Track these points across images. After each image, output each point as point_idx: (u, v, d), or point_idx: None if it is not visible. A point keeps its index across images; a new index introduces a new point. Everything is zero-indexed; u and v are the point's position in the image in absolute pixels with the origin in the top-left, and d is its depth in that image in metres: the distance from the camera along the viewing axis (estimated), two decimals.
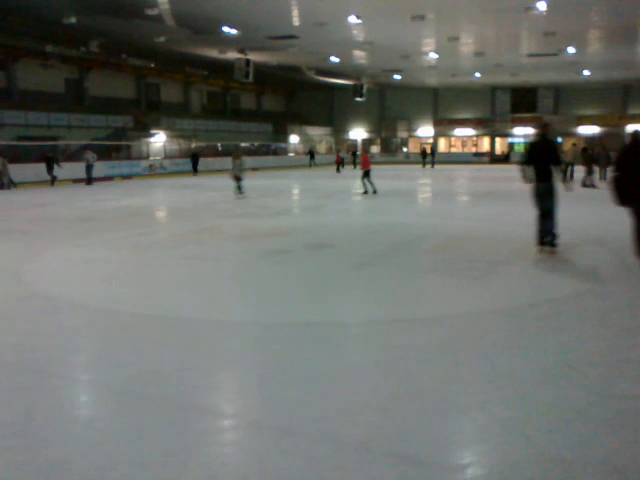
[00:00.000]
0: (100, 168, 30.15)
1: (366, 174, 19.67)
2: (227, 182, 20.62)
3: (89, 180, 27.16)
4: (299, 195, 22.59)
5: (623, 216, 8.32)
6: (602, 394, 3.95)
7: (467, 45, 32.60)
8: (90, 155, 27.38)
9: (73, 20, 25.98)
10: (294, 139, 53.81)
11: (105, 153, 33.38)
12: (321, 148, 56.91)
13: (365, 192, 19.65)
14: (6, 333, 5.44)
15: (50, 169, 26.74)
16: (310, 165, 46.58)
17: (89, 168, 27.19)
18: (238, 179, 18.60)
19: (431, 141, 57.02)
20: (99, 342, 5.23)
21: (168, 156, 38.69)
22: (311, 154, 47.44)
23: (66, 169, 28.30)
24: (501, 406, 3.79)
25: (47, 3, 24.03)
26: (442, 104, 55.61)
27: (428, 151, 46.54)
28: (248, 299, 6.71)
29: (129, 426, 3.57)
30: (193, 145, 41.04)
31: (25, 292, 6.96)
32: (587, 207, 15.35)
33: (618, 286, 6.94)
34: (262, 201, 18.24)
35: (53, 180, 26.63)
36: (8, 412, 3.78)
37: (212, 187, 25.33)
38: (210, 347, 5.06)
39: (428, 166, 44.52)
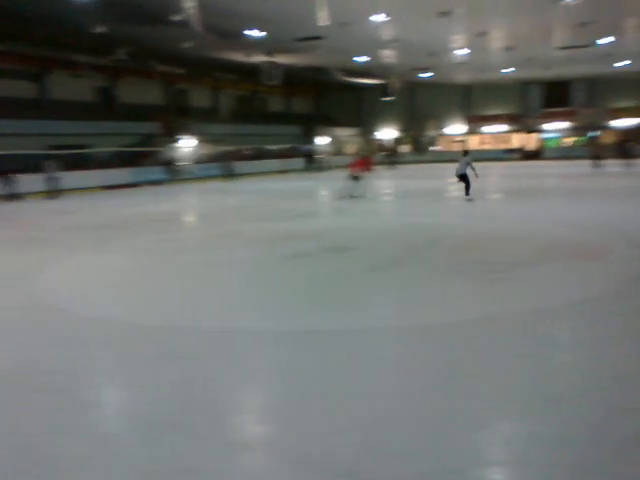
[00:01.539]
0: (127, 174, 30.46)
1: (355, 178, 18.04)
2: (253, 186, 20.52)
3: (53, 193, 24.91)
4: (322, 197, 22.38)
5: None
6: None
7: (497, 40, 31.91)
8: (52, 165, 25.23)
9: (100, 29, 26.22)
10: (323, 140, 53.58)
11: (133, 159, 33.66)
12: (350, 149, 56.57)
13: (351, 196, 17.72)
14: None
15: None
16: (308, 169, 41.53)
17: (52, 180, 25.03)
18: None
19: (461, 139, 56.22)
20: (98, 355, 5.09)
21: (197, 161, 38.85)
22: (309, 157, 42.69)
23: (97, 175, 28.70)
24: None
25: (74, 13, 24.26)
26: (472, 101, 54.75)
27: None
28: (261, 305, 6.50)
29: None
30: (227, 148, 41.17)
31: (31, 301, 6.88)
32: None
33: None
34: (288, 204, 18.06)
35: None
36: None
37: (238, 191, 25.30)
38: (226, 359, 4.86)
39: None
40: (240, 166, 36.80)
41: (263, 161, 42.59)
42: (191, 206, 20.60)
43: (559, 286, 6.80)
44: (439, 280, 7.28)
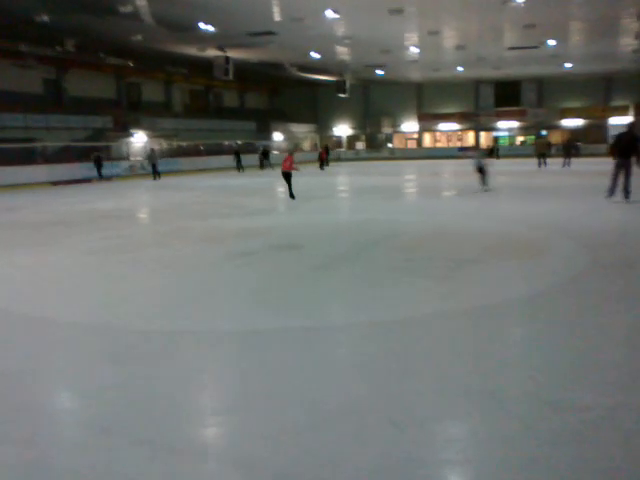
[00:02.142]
0: (79, 169, 29.73)
1: (287, 177, 17.16)
2: (204, 182, 20.21)
3: None
4: (275, 193, 22.27)
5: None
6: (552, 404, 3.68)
7: (448, 39, 32.37)
8: None
9: (46, 18, 25.45)
10: (278, 137, 53.38)
11: (84, 154, 32.86)
12: (305, 145, 56.56)
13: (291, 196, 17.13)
14: None
15: (100, 168, 29.78)
16: (263, 166, 39.68)
17: None
18: (482, 171, 18.12)
19: (416, 136, 56.85)
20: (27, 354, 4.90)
21: (149, 156, 38.12)
22: (265, 154, 40.38)
23: (45, 171, 27.92)
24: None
25: (19, 1, 23.51)
26: (426, 99, 55.41)
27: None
28: (201, 304, 6.37)
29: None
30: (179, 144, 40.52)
31: None
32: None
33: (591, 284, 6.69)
34: (236, 201, 17.92)
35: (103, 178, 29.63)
36: None
37: (189, 187, 24.96)
38: (165, 360, 4.74)
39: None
40: (194, 161, 36.39)
41: (218, 157, 42.14)
42: (141, 202, 20.21)
43: (504, 283, 6.88)
44: (386, 278, 7.28)
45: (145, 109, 43.32)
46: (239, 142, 44.89)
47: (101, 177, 30.36)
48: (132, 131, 38.73)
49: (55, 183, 27.67)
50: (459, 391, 3.94)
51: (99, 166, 30.45)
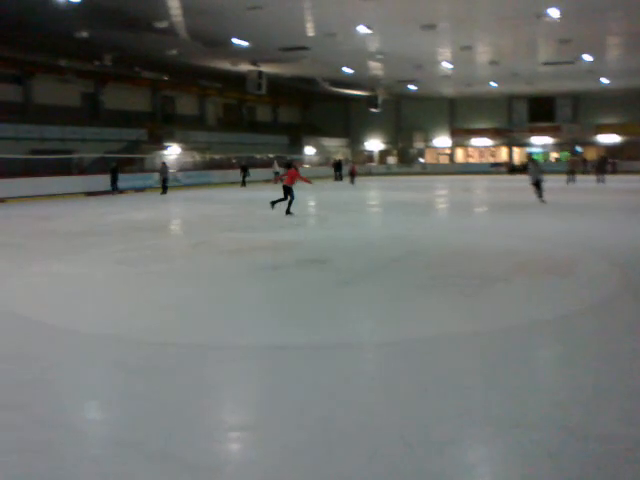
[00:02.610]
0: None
1: (288, 191, 16.55)
2: (236, 195, 20.34)
3: None
4: (305, 207, 22.31)
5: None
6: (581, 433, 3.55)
7: (481, 54, 32.18)
8: None
9: (86, 34, 26.10)
10: (310, 150, 53.61)
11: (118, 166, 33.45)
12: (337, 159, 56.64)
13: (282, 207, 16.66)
14: None
15: (115, 180, 28.71)
16: (242, 183, 35.98)
17: None
18: (538, 185, 18.64)
19: (448, 152, 56.53)
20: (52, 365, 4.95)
21: (182, 169, 38.67)
22: (244, 169, 36.84)
23: (80, 181, 28.50)
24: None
25: (59, 18, 24.12)
26: (459, 114, 55.10)
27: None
28: (224, 319, 6.37)
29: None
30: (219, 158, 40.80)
31: None
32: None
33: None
34: (265, 213, 17.98)
35: (117, 191, 28.71)
36: None
37: (220, 200, 25.16)
38: (193, 374, 4.73)
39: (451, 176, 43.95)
40: (226, 174, 36.39)
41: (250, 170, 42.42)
42: (172, 214, 20.44)
43: (531, 303, 6.73)
44: (411, 295, 7.20)
45: (179, 122, 43.96)
46: (264, 156, 44.90)
47: (115, 190, 28.98)
48: (166, 144, 39.29)
49: (89, 194, 28.17)
50: (480, 415, 3.84)
51: (114, 178, 29.07)
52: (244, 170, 36.67)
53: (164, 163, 31.78)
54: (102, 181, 29.15)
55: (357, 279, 8.15)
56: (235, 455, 3.52)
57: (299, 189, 31.53)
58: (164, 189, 29.36)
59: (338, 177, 41.71)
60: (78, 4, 21.05)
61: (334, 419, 3.81)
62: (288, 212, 16.41)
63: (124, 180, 31.44)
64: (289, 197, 16.51)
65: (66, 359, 5.12)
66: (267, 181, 39.65)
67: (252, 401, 4.29)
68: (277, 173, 35.53)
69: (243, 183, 36.02)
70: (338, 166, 42.54)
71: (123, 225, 15.60)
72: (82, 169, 31.83)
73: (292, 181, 16.65)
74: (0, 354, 5.24)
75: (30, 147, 31.10)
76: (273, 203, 16.73)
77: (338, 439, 3.52)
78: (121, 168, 33.38)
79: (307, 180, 17.52)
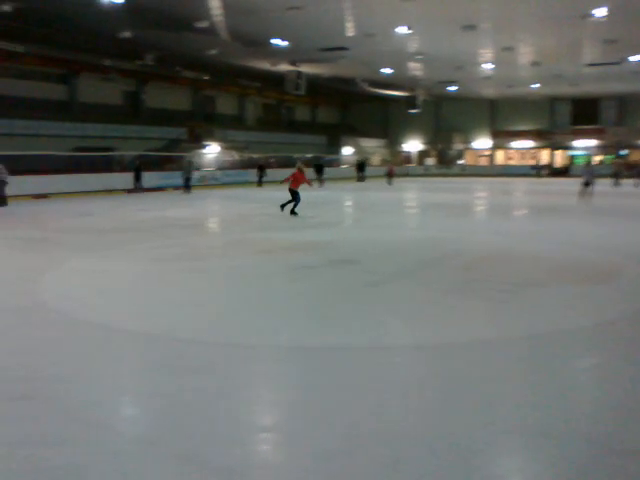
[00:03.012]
0: (153, 178, 30.67)
1: (294, 194, 16.42)
2: (272, 194, 20.40)
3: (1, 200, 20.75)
4: (340, 207, 22.27)
5: None
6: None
7: (523, 55, 31.63)
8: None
9: (127, 34, 26.59)
10: (348, 151, 53.54)
11: (158, 164, 33.97)
12: (374, 160, 56.45)
13: (292, 211, 16.56)
14: None
15: (139, 178, 28.19)
16: (259, 183, 34.68)
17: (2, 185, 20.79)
18: (588, 185, 19.73)
19: (488, 153, 55.79)
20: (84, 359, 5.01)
21: (221, 167, 39.03)
22: (261, 168, 35.59)
23: (120, 179, 29.01)
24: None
25: (102, 18, 24.62)
26: (500, 115, 54.30)
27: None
28: (254, 318, 6.37)
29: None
30: (255, 156, 40.88)
31: (27, 304, 6.84)
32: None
33: None
34: (302, 214, 18.00)
35: (141, 189, 28.08)
36: None
37: (256, 199, 25.28)
38: (219, 372, 4.74)
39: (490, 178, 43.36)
40: (265, 174, 36.19)
41: (289, 170, 42.54)
42: (207, 212, 20.63)
43: (568, 310, 6.55)
44: (443, 299, 7.09)
45: (219, 121, 44.40)
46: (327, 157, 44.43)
47: (138, 188, 28.31)
48: (205, 142, 39.72)
49: (129, 191, 28.63)
50: (509, 424, 3.74)
51: (138, 176, 28.36)
52: (261, 170, 35.29)
53: (189, 161, 30.72)
54: (143, 178, 29.60)
55: (388, 281, 8.07)
56: (258, 458, 3.49)
57: (341, 190, 31.63)
58: (187, 188, 28.38)
59: (361, 178, 41.05)
60: (121, 5, 21.44)
61: (360, 423, 3.75)
62: (293, 212, 16.41)
63: (163, 178, 31.92)
64: (295, 199, 16.41)
65: (96, 355, 5.17)
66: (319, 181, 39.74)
67: (279, 402, 4.26)
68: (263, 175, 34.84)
69: (260, 183, 34.57)
70: (361, 167, 41.84)
71: (159, 222, 15.80)
72: (123, 166, 32.37)
73: (297, 184, 16.46)
74: (32, 348, 5.32)
75: (73, 144, 31.84)
76: (291, 207, 16.57)
77: (363, 444, 3.47)
78: (161, 166, 33.93)
79: (308, 182, 17.31)
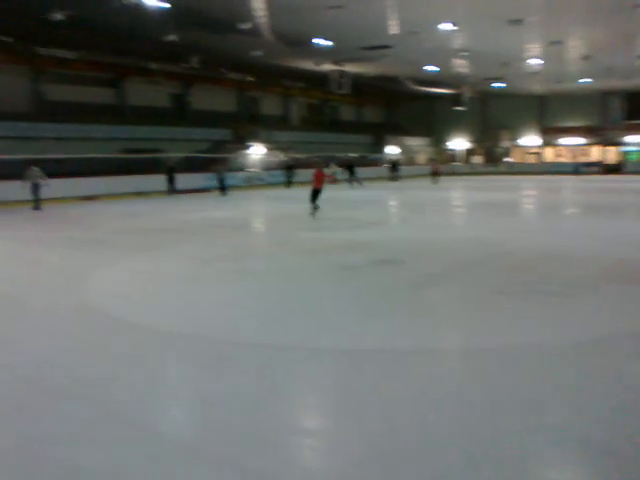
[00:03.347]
0: (198, 180, 31.06)
1: (316, 194, 16.10)
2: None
3: (36, 203, 20.32)
4: (384, 207, 22.09)
5: None
6: None
7: (573, 49, 30.73)
8: (34, 173, 20.23)
9: (173, 38, 26.99)
10: (393, 150, 53.16)
11: (204, 165, 34.36)
12: (420, 159, 55.91)
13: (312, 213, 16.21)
14: (41, 348, 5.40)
15: (172, 181, 27.74)
16: (287, 183, 33.71)
17: (36, 188, 20.24)
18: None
19: (536, 151, 54.57)
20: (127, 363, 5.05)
21: (267, 168, 39.24)
22: (289, 168, 34.62)
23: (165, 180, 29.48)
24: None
25: (149, 23, 25.06)
26: (548, 112, 53.00)
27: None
28: (296, 319, 6.32)
29: None
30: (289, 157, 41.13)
31: (75, 304, 6.96)
32: None
33: None
34: (344, 213, 17.93)
35: (174, 192, 27.62)
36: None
37: (301, 199, 25.27)
38: (262, 375, 4.73)
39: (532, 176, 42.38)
40: (308, 173, 36.03)
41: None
42: (253, 213, 20.77)
43: (620, 313, 6.28)
44: (488, 301, 6.90)
45: (263, 122, 44.69)
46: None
47: (172, 191, 27.86)
48: (249, 143, 40.04)
49: (177, 192, 29.05)
50: (554, 435, 3.57)
51: (171, 178, 27.95)
52: (289, 169, 34.06)
53: (221, 163, 29.69)
54: (188, 180, 30.00)
55: (433, 282, 7.92)
56: (299, 462, 3.43)
57: (385, 189, 31.41)
58: (222, 190, 27.72)
59: (394, 178, 40.28)
60: (167, 9, 21.77)
61: (400, 429, 3.66)
62: (315, 209, 16.00)
63: (208, 179, 32.24)
64: (317, 200, 15.99)
65: (140, 356, 5.21)
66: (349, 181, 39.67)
67: (321, 406, 4.21)
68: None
69: (288, 183, 33.39)
70: (394, 166, 41.19)
71: (205, 223, 15.96)
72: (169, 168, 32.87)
73: (320, 183, 16.03)
74: (76, 349, 5.40)
75: (122, 147, 32.53)
76: (314, 207, 16.16)
77: (403, 451, 3.38)
78: (206, 167, 34.28)
79: (331, 178, 16.89)
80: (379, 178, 40.65)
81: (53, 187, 21.28)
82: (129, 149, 32.56)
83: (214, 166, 29.43)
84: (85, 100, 34.04)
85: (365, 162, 44.73)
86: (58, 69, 32.39)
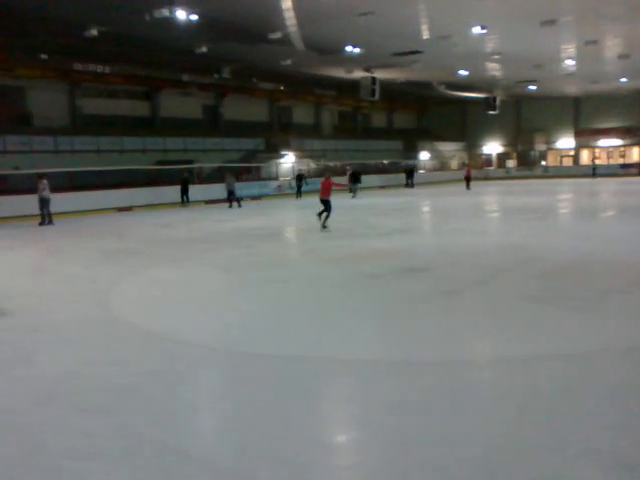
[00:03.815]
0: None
1: (325, 204, 15.35)
2: (345, 201, 20.31)
3: (48, 217, 19.24)
4: (412, 214, 21.89)
5: None
6: None
7: (609, 48, 30.08)
8: (44, 185, 19.09)
9: (204, 49, 27.30)
10: (425, 156, 52.80)
11: (236, 175, 34.62)
12: (453, 164, 55.41)
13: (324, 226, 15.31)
14: (68, 358, 5.45)
15: (185, 192, 27.68)
16: (297, 194, 31.55)
17: (44, 202, 19.10)
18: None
19: (572, 153, 53.54)
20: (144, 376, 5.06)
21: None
22: (300, 178, 32.28)
23: (200, 190, 29.77)
24: None
25: (180, 35, 25.42)
26: (584, 113, 51.98)
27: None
28: (323, 330, 6.27)
29: None
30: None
31: (104, 314, 7.02)
32: None
33: None
34: (372, 220, 17.81)
35: (187, 203, 27.71)
36: None
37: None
38: (288, 387, 4.69)
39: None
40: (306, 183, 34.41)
41: (363, 176, 42.39)
42: (282, 221, 20.79)
43: None
44: (519, 308, 6.74)
45: (295, 131, 44.88)
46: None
47: (185, 201, 27.42)
48: (282, 152, 40.23)
49: (208, 202, 29.31)
50: (581, 449, 3.44)
51: (185, 189, 27.36)
52: (300, 180, 32.17)
53: (230, 174, 27.42)
54: (221, 190, 30.16)
55: (464, 289, 7.78)
56: (315, 476, 3.37)
57: (416, 195, 31.19)
58: (229, 202, 26.22)
59: (409, 184, 39.75)
60: (197, 22, 22.03)
61: (419, 442, 3.58)
62: (324, 226, 15.24)
63: (239, 189, 32.34)
64: (327, 210, 15.35)
65: (161, 367, 5.21)
66: (381, 187, 39.58)
67: (343, 418, 4.14)
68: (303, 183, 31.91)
69: (298, 194, 31.56)
70: (410, 173, 40.64)
71: (236, 233, 16.02)
72: (202, 178, 33.23)
73: (328, 193, 15.39)
74: (98, 359, 5.43)
75: (156, 158, 33.02)
76: (322, 219, 15.49)
77: (417, 465, 3.29)
78: (238, 177, 34.48)
79: (340, 185, 16.16)
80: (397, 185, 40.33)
81: (90, 199, 21.65)
82: (163, 160, 33.04)
83: (225, 176, 27.67)
84: (120, 113, 34.69)
85: (393, 169, 44.79)
86: (93, 83, 33.09)
